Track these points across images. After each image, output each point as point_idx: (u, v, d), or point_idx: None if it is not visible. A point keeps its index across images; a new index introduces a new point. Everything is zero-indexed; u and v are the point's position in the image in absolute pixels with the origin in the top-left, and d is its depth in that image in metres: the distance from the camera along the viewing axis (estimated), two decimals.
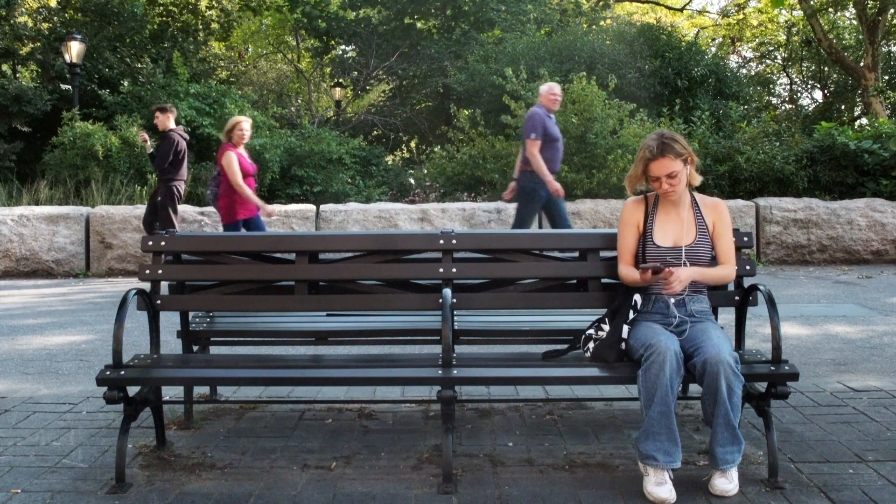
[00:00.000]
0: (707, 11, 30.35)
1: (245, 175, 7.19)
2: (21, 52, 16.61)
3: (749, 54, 28.69)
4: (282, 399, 3.87)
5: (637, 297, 3.04)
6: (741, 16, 26.01)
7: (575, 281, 3.38)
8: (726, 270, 3.09)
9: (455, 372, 2.90)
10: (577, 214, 9.88)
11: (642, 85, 14.62)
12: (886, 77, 22.35)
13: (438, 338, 3.34)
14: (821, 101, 26.66)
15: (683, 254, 3.03)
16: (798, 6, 19.95)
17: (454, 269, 3.23)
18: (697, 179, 3.10)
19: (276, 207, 10.22)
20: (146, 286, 3.29)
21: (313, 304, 3.39)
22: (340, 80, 21.89)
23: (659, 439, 2.70)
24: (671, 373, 2.71)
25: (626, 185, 3.15)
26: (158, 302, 3.26)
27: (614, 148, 10.81)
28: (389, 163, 18.23)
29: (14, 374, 4.56)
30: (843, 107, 25.25)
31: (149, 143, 8.68)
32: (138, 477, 2.94)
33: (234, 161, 7.08)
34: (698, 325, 2.96)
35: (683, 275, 2.93)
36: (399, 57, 20.31)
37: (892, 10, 19.95)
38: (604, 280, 3.27)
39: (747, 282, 3.28)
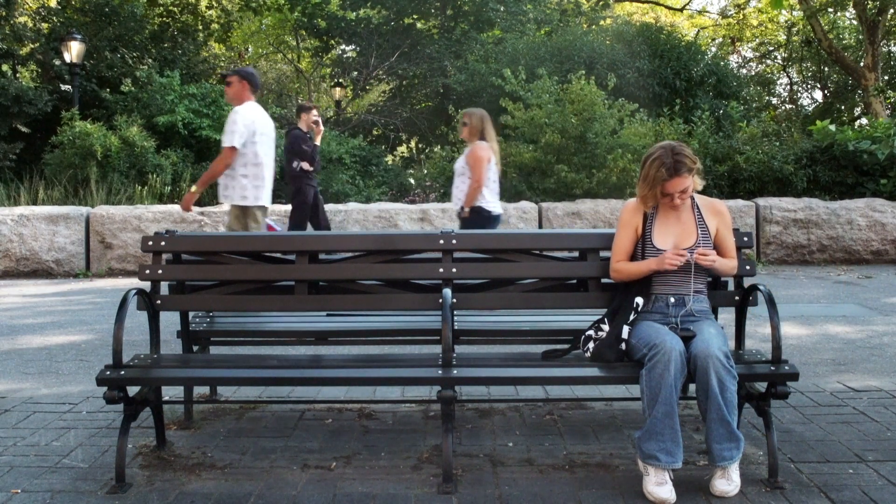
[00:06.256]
0: (707, 11, 30.34)
1: None
2: (21, 52, 16.61)
3: (749, 54, 28.69)
4: (282, 399, 3.87)
5: (639, 300, 3.04)
6: (741, 16, 26.00)
7: (575, 281, 3.38)
8: (734, 262, 3.15)
9: (455, 372, 2.90)
10: (576, 214, 9.89)
11: (641, 85, 14.62)
12: (886, 77, 22.36)
13: (438, 338, 3.34)
14: (821, 101, 26.67)
15: (690, 254, 3.00)
16: (798, 6, 19.94)
17: (454, 269, 3.23)
18: (700, 184, 3.07)
19: (276, 207, 10.23)
20: (146, 286, 3.29)
21: (313, 304, 3.39)
22: (340, 80, 21.88)
23: (662, 439, 2.70)
24: (675, 373, 2.71)
25: (640, 203, 3.09)
26: (158, 302, 3.25)
27: (614, 148, 10.81)
28: (389, 163, 18.23)
29: (14, 374, 4.56)
30: (843, 107, 25.25)
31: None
32: (138, 477, 2.94)
33: None
34: (696, 323, 2.97)
35: (711, 254, 3.01)
36: (399, 57, 20.31)
37: (892, 11, 19.95)
38: (604, 280, 3.27)
39: (747, 282, 3.28)
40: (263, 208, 5.61)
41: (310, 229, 8.52)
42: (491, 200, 5.80)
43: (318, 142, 8.32)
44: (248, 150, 5.43)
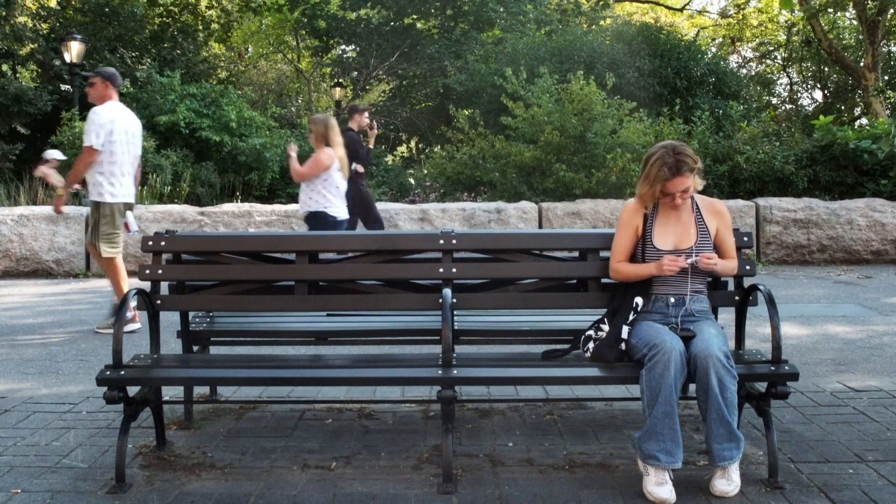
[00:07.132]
0: (707, 11, 30.35)
1: None
2: (21, 52, 16.61)
3: (749, 54, 28.70)
4: (282, 399, 3.87)
5: (639, 300, 3.04)
6: (741, 16, 26.01)
7: (575, 281, 3.38)
8: (734, 263, 3.15)
9: (455, 372, 2.90)
10: (576, 214, 9.89)
11: (641, 84, 14.62)
12: (886, 77, 22.36)
13: (438, 338, 3.34)
14: (821, 101, 26.67)
15: (692, 258, 3.00)
16: (799, 7, 19.94)
17: (454, 269, 3.23)
18: (700, 184, 3.07)
19: (276, 207, 10.23)
20: (146, 286, 3.29)
21: (313, 304, 3.39)
22: (340, 80, 21.91)
23: (662, 439, 2.70)
24: (675, 373, 2.71)
25: (639, 203, 3.09)
26: (158, 302, 3.26)
27: (613, 147, 10.80)
28: (389, 163, 18.23)
29: (14, 374, 4.56)
30: (843, 107, 25.25)
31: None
32: (138, 477, 2.94)
33: None
34: (696, 323, 2.97)
35: (713, 258, 3.01)
36: (399, 57, 20.32)
37: (892, 11, 19.95)
38: (604, 280, 3.27)
39: (747, 282, 3.29)
40: (122, 205, 5.77)
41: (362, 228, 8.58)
42: (337, 205, 6.04)
43: (371, 144, 8.43)
44: (104, 149, 5.61)
